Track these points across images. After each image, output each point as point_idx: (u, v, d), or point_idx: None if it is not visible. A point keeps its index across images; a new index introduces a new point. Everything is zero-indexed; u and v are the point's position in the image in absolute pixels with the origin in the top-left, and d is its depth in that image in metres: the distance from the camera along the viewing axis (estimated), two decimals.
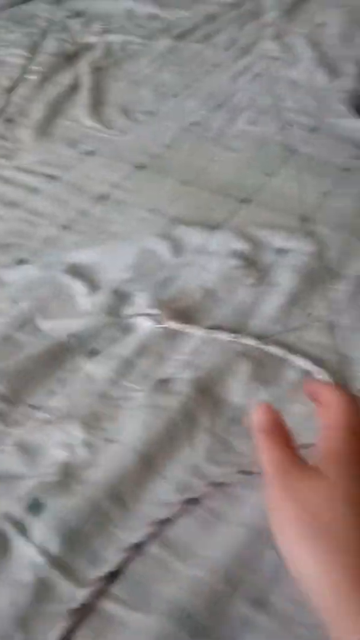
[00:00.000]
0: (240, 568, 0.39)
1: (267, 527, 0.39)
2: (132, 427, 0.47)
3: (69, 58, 1.12)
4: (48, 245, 0.68)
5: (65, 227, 0.71)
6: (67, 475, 0.44)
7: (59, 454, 0.46)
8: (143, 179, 0.79)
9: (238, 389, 0.50)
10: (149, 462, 0.45)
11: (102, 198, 0.76)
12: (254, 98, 0.95)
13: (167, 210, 0.72)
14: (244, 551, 0.39)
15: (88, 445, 0.46)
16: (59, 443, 0.47)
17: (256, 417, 0.37)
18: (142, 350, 0.55)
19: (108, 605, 0.38)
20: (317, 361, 0.53)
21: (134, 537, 0.41)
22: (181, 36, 1.19)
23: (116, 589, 0.38)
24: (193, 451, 0.46)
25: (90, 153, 0.85)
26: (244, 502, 0.42)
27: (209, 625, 0.36)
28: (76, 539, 0.40)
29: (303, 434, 0.40)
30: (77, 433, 0.47)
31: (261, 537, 0.40)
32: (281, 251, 0.65)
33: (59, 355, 0.54)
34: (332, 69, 1.01)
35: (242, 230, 0.68)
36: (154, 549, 0.40)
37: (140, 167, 0.81)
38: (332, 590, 0.28)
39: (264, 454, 0.35)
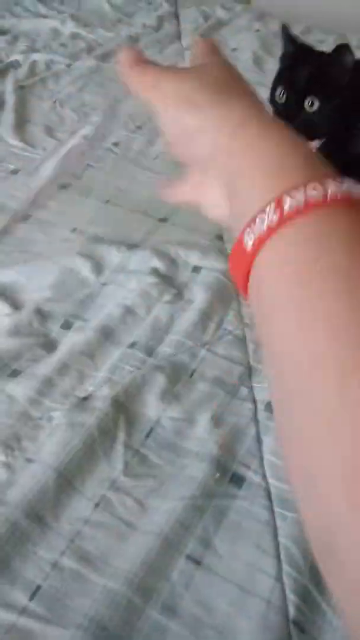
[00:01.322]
0: (151, 577, 0.39)
1: (175, 534, 0.40)
2: (51, 446, 0.47)
3: None
4: None
5: None
6: None
7: None
8: (66, 199, 0.78)
9: (152, 403, 0.51)
10: (67, 479, 0.44)
11: (25, 217, 0.74)
12: None
13: (89, 229, 0.72)
14: (155, 559, 0.40)
15: (8, 466, 0.46)
16: None
17: (123, 56, 0.33)
18: (63, 369, 0.54)
19: (27, 622, 0.37)
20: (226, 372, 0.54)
21: (53, 553, 0.40)
22: (104, 57, 1.18)
23: (34, 604, 0.38)
24: (110, 466, 0.46)
25: (14, 172, 0.83)
26: (154, 511, 0.43)
27: (123, 636, 0.37)
28: None
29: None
30: None
31: (170, 545, 0.40)
32: (196, 268, 0.66)
33: None
34: None
35: (160, 249, 0.68)
36: (70, 562, 0.40)
37: (64, 186, 0.80)
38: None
39: (138, 74, 0.32)
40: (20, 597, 0.38)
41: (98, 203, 0.77)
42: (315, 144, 0.79)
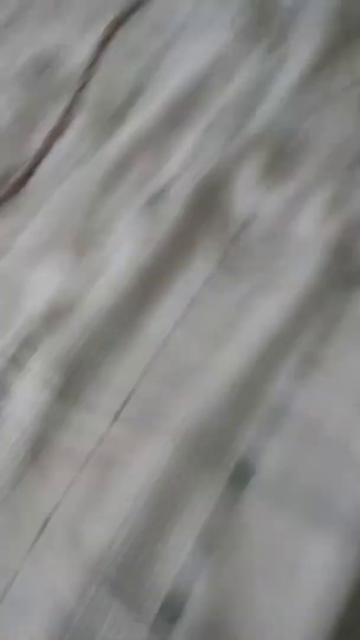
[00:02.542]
0: (258, 375, 0.33)
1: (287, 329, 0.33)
2: (126, 248, 0.40)
3: None
4: None
5: None
6: (60, 302, 0.39)
7: (49, 281, 0.40)
8: None
9: (248, 189, 0.41)
10: (146, 288, 0.38)
11: None
12: None
13: None
14: (264, 354, 0.34)
15: (79, 270, 0.40)
16: (48, 267, 0.40)
17: None
18: (126, 161, 0.45)
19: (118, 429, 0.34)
20: None
21: (141, 359, 0.35)
22: None
23: (126, 411, 0.34)
24: (199, 265, 0.38)
25: None
26: (259, 310, 0.36)
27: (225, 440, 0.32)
28: (78, 367, 0.36)
29: None
30: (65, 256, 0.41)
31: (282, 341, 0.34)
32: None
33: None
34: None
35: None
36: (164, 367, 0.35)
37: None
38: None
39: None
40: (112, 404, 0.34)
41: None
42: None
